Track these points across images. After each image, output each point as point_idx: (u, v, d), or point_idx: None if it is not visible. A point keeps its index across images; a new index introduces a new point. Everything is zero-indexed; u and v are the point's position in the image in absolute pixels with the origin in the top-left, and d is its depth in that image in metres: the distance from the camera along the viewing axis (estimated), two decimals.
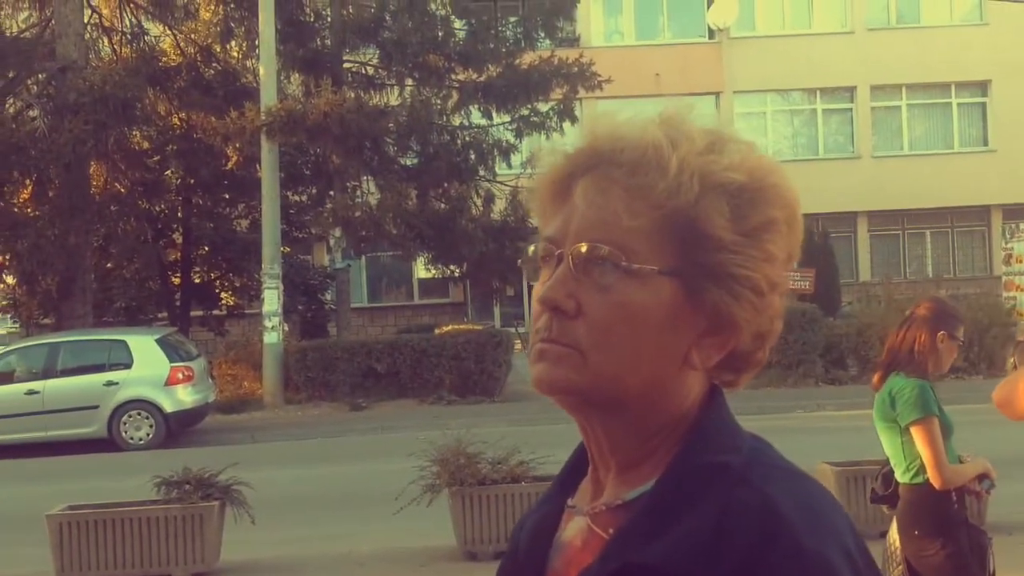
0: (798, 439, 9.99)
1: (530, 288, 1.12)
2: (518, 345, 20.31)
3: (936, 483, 4.22)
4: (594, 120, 1.09)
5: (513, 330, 22.63)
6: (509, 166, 20.92)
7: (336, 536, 9.04)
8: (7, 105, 21.49)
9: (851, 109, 30.25)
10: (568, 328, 1.04)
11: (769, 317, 1.07)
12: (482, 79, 20.70)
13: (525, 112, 20.80)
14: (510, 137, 20.91)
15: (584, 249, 1.03)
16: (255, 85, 20.40)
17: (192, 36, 22.65)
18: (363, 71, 22.02)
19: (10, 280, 22.25)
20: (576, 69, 20.54)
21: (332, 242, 21.35)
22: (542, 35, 21.97)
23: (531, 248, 1.10)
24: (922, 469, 4.27)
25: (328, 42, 21.49)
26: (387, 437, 14.50)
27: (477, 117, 21.49)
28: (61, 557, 8.10)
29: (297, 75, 21.78)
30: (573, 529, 1.10)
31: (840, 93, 30.20)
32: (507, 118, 20.96)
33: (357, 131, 18.63)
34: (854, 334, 18.50)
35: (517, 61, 20.70)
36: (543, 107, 20.95)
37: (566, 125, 20.47)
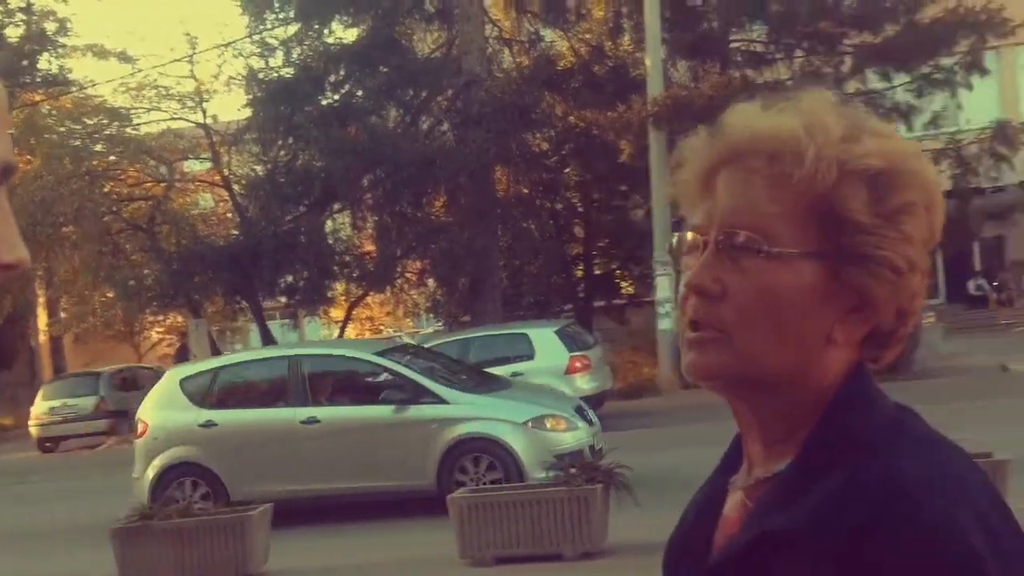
0: None
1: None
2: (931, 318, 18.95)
3: None
4: (732, 114, 1.13)
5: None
6: (910, 129, 19.55)
7: None
8: (421, 122, 23.22)
9: None
10: (715, 311, 1.09)
11: (909, 295, 1.10)
12: (878, 40, 19.52)
13: (927, 70, 19.36)
14: (910, 99, 19.54)
15: (727, 235, 1.09)
16: (644, 77, 20.61)
17: (585, 36, 23.31)
18: (751, 49, 21.54)
19: (431, 283, 24.07)
20: (984, 17, 18.83)
21: None
22: None
23: (675, 237, 1.16)
24: None
25: (715, 24, 21.24)
26: None
27: (874, 81, 20.29)
28: (463, 536, 8.57)
29: (684, 62, 21.71)
30: (731, 503, 1.18)
31: None
32: (907, 78, 19.61)
33: None
34: None
35: (918, 16, 19.34)
36: (946, 63, 19.40)
37: (975, 79, 18.82)
